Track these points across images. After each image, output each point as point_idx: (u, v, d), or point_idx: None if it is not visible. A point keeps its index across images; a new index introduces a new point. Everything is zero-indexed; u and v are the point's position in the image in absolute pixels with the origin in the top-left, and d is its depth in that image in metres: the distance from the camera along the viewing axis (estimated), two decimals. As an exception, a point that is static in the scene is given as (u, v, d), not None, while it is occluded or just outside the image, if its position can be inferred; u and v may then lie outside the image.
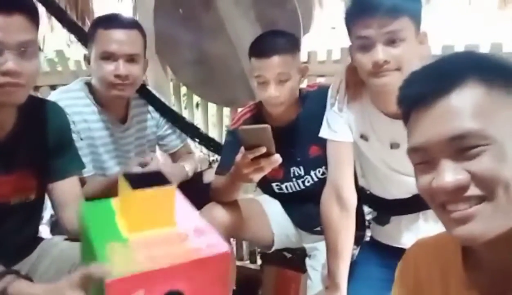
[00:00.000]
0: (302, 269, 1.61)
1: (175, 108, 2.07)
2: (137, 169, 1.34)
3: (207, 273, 0.71)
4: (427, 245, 0.76)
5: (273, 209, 1.59)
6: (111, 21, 1.46)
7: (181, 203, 0.91)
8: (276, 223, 1.56)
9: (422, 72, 0.65)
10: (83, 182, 1.38)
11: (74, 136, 1.42)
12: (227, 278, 0.74)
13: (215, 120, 2.51)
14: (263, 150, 1.13)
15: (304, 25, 1.93)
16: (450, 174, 0.59)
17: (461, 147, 0.58)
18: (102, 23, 1.45)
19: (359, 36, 1.12)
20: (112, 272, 0.64)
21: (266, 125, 1.12)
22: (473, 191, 0.58)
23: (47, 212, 1.54)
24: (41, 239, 1.27)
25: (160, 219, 0.77)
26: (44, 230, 1.49)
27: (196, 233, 0.77)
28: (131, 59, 1.43)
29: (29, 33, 1.01)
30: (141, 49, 1.48)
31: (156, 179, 0.80)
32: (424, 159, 0.62)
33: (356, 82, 1.26)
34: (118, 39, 1.42)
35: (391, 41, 1.09)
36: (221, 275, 0.73)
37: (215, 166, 1.69)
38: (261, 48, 1.39)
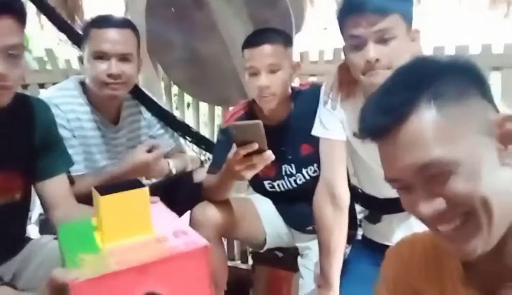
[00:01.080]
0: (294, 268, 1.61)
1: (166, 108, 2.05)
2: (145, 155, 1.39)
3: (186, 272, 0.68)
4: (423, 240, 0.75)
5: (265, 208, 1.58)
6: (104, 21, 1.46)
7: (161, 210, 0.90)
8: (268, 222, 1.56)
9: (374, 102, 0.63)
10: (71, 181, 1.36)
11: (68, 134, 1.41)
12: (209, 277, 0.71)
13: (206, 120, 2.50)
14: (255, 146, 1.12)
15: (296, 25, 1.93)
16: (425, 204, 0.58)
17: (428, 175, 0.57)
18: (95, 23, 1.45)
19: (351, 35, 1.13)
20: (76, 275, 0.61)
21: (258, 121, 1.12)
22: (453, 212, 0.58)
23: (36, 211, 1.52)
24: (29, 239, 1.25)
25: (135, 225, 0.74)
26: (33, 230, 1.47)
27: (175, 235, 0.75)
28: (124, 58, 1.43)
29: (17, 36, 1.00)
30: (134, 48, 1.48)
31: (130, 185, 0.78)
32: (399, 185, 0.62)
33: (350, 81, 1.26)
34: (110, 39, 1.41)
35: (383, 39, 1.09)
36: (202, 273, 0.70)
37: (206, 165, 1.68)
38: (252, 39, 1.41)
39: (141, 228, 0.75)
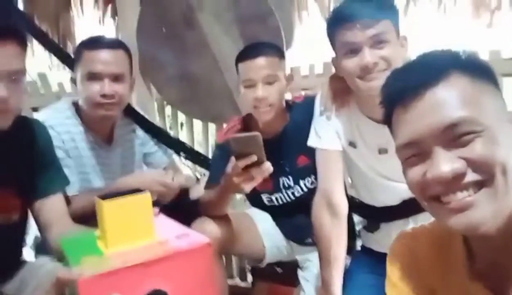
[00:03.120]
0: (294, 283, 1.59)
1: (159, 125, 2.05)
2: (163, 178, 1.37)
3: (191, 269, 0.69)
4: (425, 234, 0.75)
5: (264, 222, 1.57)
6: (96, 42, 1.47)
7: (163, 219, 0.90)
8: (267, 236, 1.55)
9: (405, 68, 0.66)
10: (68, 201, 1.35)
11: (63, 155, 1.41)
12: (212, 275, 0.72)
13: (200, 139, 2.50)
14: (254, 158, 1.12)
15: (286, 41, 1.96)
16: (446, 163, 0.58)
17: (455, 135, 0.58)
18: (87, 44, 1.47)
19: (345, 42, 1.14)
20: (83, 273, 0.61)
21: (256, 133, 1.12)
22: (471, 177, 0.58)
23: (31, 235, 1.50)
24: (25, 262, 1.23)
25: (138, 230, 0.75)
26: (28, 253, 1.45)
27: (178, 238, 0.75)
28: (116, 78, 1.44)
29: (20, 62, 1.03)
30: (126, 68, 1.49)
31: (131, 193, 0.78)
32: (415, 152, 0.62)
33: (343, 91, 1.28)
34: (103, 59, 1.42)
35: (377, 43, 1.11)
36: (206, 270, 0.70)
37: (202, 181, 1.68)
38: (247, 52, 1.43)
39: (144, 233, 0.75)
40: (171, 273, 0.67)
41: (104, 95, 1.42)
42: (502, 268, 0.63)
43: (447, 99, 0.60)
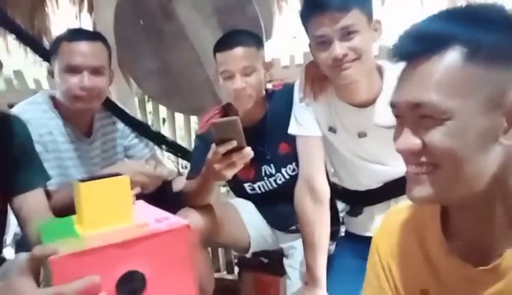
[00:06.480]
0: (280, 273, 1.60)
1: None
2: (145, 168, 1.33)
3: (169, 251, 0.68)
4: (403, 211, 0.77)
5: (248, 211, 1.57)
6: (75, 34, 1.45)
7: (143, 205, 0.89)
8: (251, 225, 1.55)
9: (414, 30, 0.61)
10: (48, 195, 1.33)
11: (41, 148, 1.38)
12: (191, 257, 0.71)
13: (183, 134, 2.49)
14: (234, 143, 1.11)
15: (266, 31, 1.95)
16: (403, 139, 0.61)
17: (419, 115, 0.59)
18: (66, 36, 1.44)
19: (316, 35, 1.16)
20: (56, 250, 0.59)
21: (235, 117, 1.11)
22: (424, 158, 0.60)
23: (10, 233, 1.47)
24: (5, 259, 1.21)
25: (116, 213, 0.73)
26: (8, 252, 1.42)
27: (157, 221, 0.74)
28: (95, 71, 1.42)
29: None
30: (105, 61, 1.47)
31: (111, 176, 0.77)
32: (396, 113, 0.64)
33: (320, 77, 1.28)
34: (82, 51, 1.40)
35: (346, 35, 1.12)
36: (184, 253, 0.69)
37: (184, 173, 1.67)
38: (224, 42, 1.41)
39: (122, 216, 0.73)
40: (148, 254, 0.66)
41: (83, 88, 1.39)
42: (480, 241, 0.64)
43: (427, 78, 0.57)
